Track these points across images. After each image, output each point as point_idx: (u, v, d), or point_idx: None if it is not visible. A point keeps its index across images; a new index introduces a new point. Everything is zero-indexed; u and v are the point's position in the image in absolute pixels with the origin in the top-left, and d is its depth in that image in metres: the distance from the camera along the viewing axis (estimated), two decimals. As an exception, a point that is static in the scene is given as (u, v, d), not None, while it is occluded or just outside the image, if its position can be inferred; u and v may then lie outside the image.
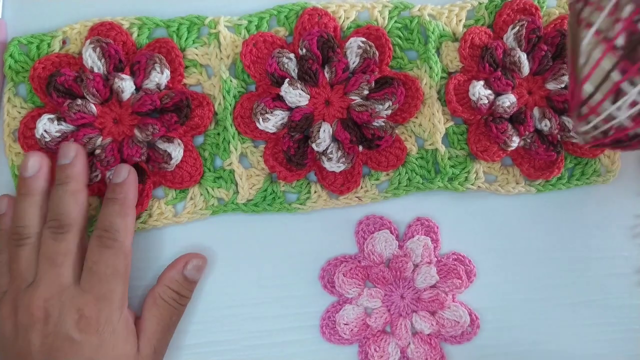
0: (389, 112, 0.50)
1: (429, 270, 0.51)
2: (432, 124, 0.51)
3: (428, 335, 0.51)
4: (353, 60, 0.51)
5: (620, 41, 0.34)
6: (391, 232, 0.51)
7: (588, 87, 0.37)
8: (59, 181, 0.46)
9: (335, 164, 0.49)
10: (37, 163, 0.46)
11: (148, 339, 0.46)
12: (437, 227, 0.52)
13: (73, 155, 0.46)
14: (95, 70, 0.49)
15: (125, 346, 0.45)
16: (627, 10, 0.34)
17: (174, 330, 0.48)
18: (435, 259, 0.52)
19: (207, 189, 0.51)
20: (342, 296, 0.51)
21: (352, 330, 0.50)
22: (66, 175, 0.46)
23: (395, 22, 0.53)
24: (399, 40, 0.53)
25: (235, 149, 0.50)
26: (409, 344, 0.51)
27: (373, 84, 0.50)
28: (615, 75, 0.35)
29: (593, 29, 0.35)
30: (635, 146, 0.40)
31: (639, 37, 0.34)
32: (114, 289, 0.44)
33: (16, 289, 0.44)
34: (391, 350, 0.51)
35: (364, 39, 0.50)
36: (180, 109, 0.49)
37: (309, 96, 0.50)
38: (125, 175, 0.46)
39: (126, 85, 0.49)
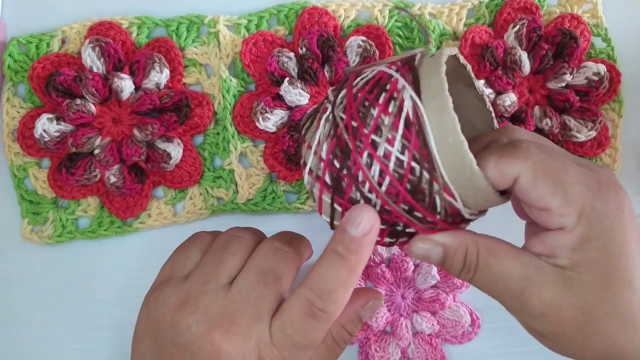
0: None
1: (429, 270, 0.51)
2: (432, 124, 0.51)
3: (429, 335, 0.51)
4: (353, 59, 0.51)
5: (327, 179, 0.35)
6: (392, 232, 0.51)
7: (325, 217, 0.37)
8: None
9: (335, 164, 0.49)
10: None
11: None
12: (438, 227, 0.52)
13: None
14: (95, 69, 0.49)
15: None
16: (324, 149, 0.34)
17: None
18: (436, 258, 0.51)
19: (206, 189, 0.51)
20: (342, 296, 0.51)
21: (352, 330, 0.50)
22: (286, 240, 0.40)
23: (396, 20, 0.53)
24: (399, 39, 0.52)
25: (235, 149, 0.50)
26: (410, 344, 0.51)
27: None
28: (337, 207, 0.35)
29: (307, 168, 0.36)
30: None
31: (337, 174, 0.34)
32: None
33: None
34: (392, 350, 0.50)
35: (364, 38, 0.50)
36: (179, 109, 0.49)
37: (309, 95, 0.50)
38: (367, 230, 0.35)
39: (125, 84, 0.48)
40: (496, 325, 0.52)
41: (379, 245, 0.50)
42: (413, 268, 0.51)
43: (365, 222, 0.34)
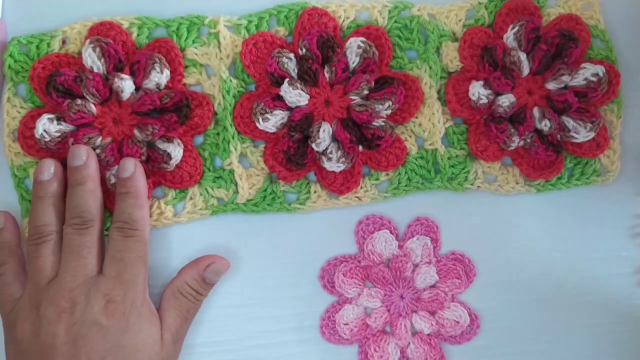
0: (389, 112, 0.50)
1: (428, 270, 0.51)
2: (432, 124, 0.51)
3: (428, 335, 0.51)
4: (353, 60, 0.50)
5: None
6: (391, 232, 0.51)
7: None
8: (76, 182, 0.47)
9: (335, 164, 0.49)
10: (51, 167, 0.47)
11: (167, 327, 0.47)
12: (437, 227, 0.52)
13: (85, 156, 0.47)
14: (95, 70, 0.49)
15: (150, 329, 0.45)
16: None
17: (190, 322, 0.49)
18: (435, 259, 0.51)
19: (206, 189, 0.50)
20: (341, 296, 0.51)
21: (351, 330, 0.50)
22: (82, 175, 0.47)
23: (395, 21, 0.52)
24: (399, 40, 0.52)
25: (235, 149, 0.50)
26: (409, 344, 0.51)
27: (373, 84, 0.50)
28: None
29: None
30: None
31: None
32: (138, 273, 0.45)
33: (36, 287, 0.45)
34: (391, 350, 0.50)
35: (363, 39, 0.50)
36: (179, 109, 0.49)
37: (308, 96, 0.50)
38: (132, 169, 0.47)
39: (126, 85, 0.48)
40: (496, 325, 0.51)
41: (378, 246, 0.50)
42: (412, 268, 0.51)
43: (130, 166, 0.47)
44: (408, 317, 0.51)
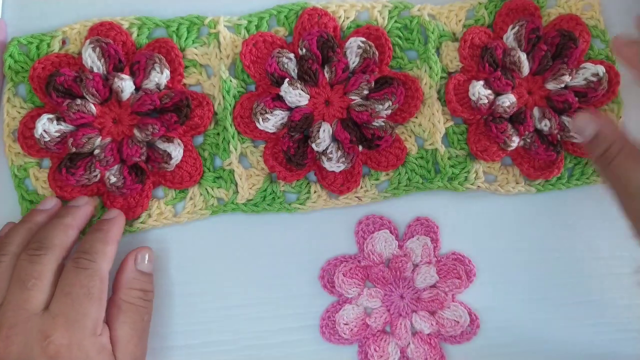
0: (389, 112, 0.50)
1: (428, 270, 0.50)
2: (432, 124, 0.51)
3: (428, 335, 0.51)
4: (353, 60, 0.50)
5: None
6: (391, 232, 0.51)
7: None
8: (58, 215, 0.46)
9: (335, 164, 0.49)
10: (53, 203, 0.47)
11: (125, 348, 0.44)
12: (437, 227, 0.51)
13: (83, 203, 0.47)
14: (95, 70, 0.49)
15: None
16: None
17: (148, 332, 0.46)
18: (435, 258, 0.51)
19: (206, 189, 0.50)
20: (341, 296, 0.50)
21: (351, 330, 0.50)
22: (67, 211, 0.46)
23: (395, 22, 0.52)
24: (399, 40, 0.52)
25: (235, 149, 0.50)
26: (409, 343, 0.50)
27: (373, 84, 0.50)
28: None
29: None
30: None
31: None
32: (87, 312, 0.42)
33: None
34: (391, 350, 0.50)
35: (363, 39, 0.50)
36: (179, 109, 0.49)
37: (308, 96, 0.49)
38: (114, 215, 0.47)
39: (126, 85, 0.48)
40: (496, 325, 0.51)
41: (378, 246, 0.50)
42: (412, 268, 0.51)
43: (112, 213, 0.47)
44: (408, 317, 0.50)
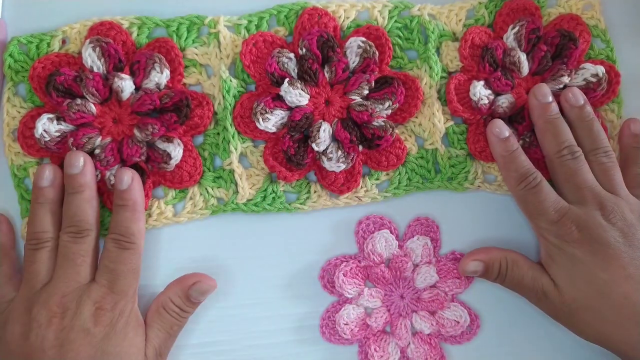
0: (389, 111, 0.50)
1: (428, 270, 0.50)
2: (432, 124, 0.51)
3: (428, 335, 0.50)
4: (353, 60, 0.50)
5: None
6: (391, 232, 0.51)
7: None
8: (73, 189, 0.46)
9: (335, 164, 0.49)
10: (51, 173, 0.47)
11: (150, 342, 0.47)
12: (437, 227, 0.51)
13: (82, 163, 0.47)
14: (95, 69, 0.48)
15: (135, 338, 0.45)
16: None
17: (175, 339, 0.48)
18: (435, 258, 0.51)
19: (206, 189, 0.50)
20: (342, 296, 0.50)
21: (352, 330, 0.50)
22: (79, 184, 0.47)
23: (395, 21, 0.52)
24: (399, 40, 0.52)
25: (235, 149, 0.50)
26: (409, 343, 0.50)
27: (373, 84, 0.50)
28: None
29: None
30: None
31: None
32: (130, 284, 0.46)
33: (30, 290, 0.45)
34: (391, 350, 0.50)
35: (363, 39, 0.50)
36: (179, 109, 0.48)
37: (308, 96, 0.49)
38: (129, 181, 0.47)
39: (126, 84, 0.48)
40: (496, 325, 0.51)
41: (378, 246, 0.49)
42: (412, 268, 0.50)
43: (127, 178, 0.47)
44: (408, 317, 0.50)
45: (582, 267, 0.45)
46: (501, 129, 0.49)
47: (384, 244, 0.50)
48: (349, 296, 0.50)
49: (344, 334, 0.49)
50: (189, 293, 0.48)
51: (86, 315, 0.44)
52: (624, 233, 0.45)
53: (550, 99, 0.49)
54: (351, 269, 0.50)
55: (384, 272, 0.50)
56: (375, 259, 0.50)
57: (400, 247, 0.51)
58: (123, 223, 0.47)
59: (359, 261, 0.50)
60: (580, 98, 0.49)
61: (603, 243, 0.45)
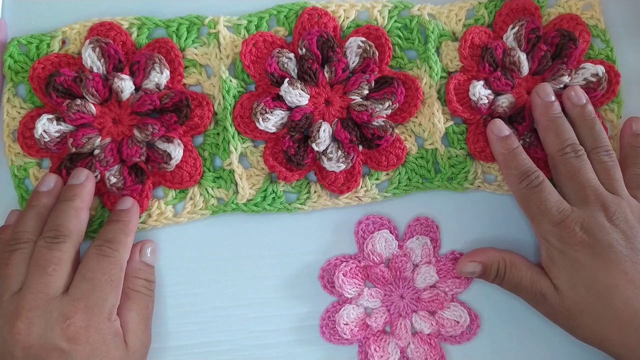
0: (389, 111, 0.50)
1: (428, 270, 0.50)
2: (432, 124, 0.51)
3: (428, 335, 0.50)
4: (353, 60, 0.50)
5: None
6: (391, 232, 0.50)
7: None
8: (65, 197, 0.45)
9: (335, 164, 0.49)
10: (53, 182, 0.47)
11: (133, 333, 0.45)
12: (437, 227, 0.51)
13: (84, 178, 0.46)
14: (95, 70, 0.48)
15: (116, 352, 0.44)
16: None
17: (151, 320, 0.48)
18: (435, 258, 0.51)
19: (206, 189, 0.50)
20: (341, 296, 0.50)
21: (352, 330, 0.49)
22: (74, 193, 0.46)
23: (395, 21, 0.52)
24: (399, 40, 0.52)
25: (235, 149, 0.50)
26: (409, 343, 0.50)
27: (373, 84, 0.50)
28: None
29: None
30: None
31: None
32: (106, 297, 0.43)
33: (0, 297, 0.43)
34: (391, 350, 0.50)
35: (363, 39, 0.50)
36: (179, 109, 0.48)
37: (308, 96, 0.49)
38: (129, 205, 0.47)
39: (125, 85, 0.48)
40: (496, 325, 0.51)
41: (377, 246, 0.49)
42: (412, 268, 0.50)
43: (128, 202, 0.47)
44: (408, 317, 0.50)
45: (583, 271, 0.44)
46: (501, 127, 0.49)
47: (383, 244, 0.50)
48: (349, 296, 0.50)
49: (344, 334, 0.49)
50: (143, 260, 0.48)
51: (56, 332, 0.41)
52: (626, 235, 0.45)
53: (553, 98, 0.49)
54: (351, 269, 0.50)
55: (383, 272, 0.50)
56: (375, 259, 0.50)
57: (400, 247, 0.50)
58: (111, 231, 0.45)
59: (359, 261, 0.50)
60: (582, 97, 0.49)
61: (605, 246, 0.44)
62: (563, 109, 0.49)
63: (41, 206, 0.46)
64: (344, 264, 0.50)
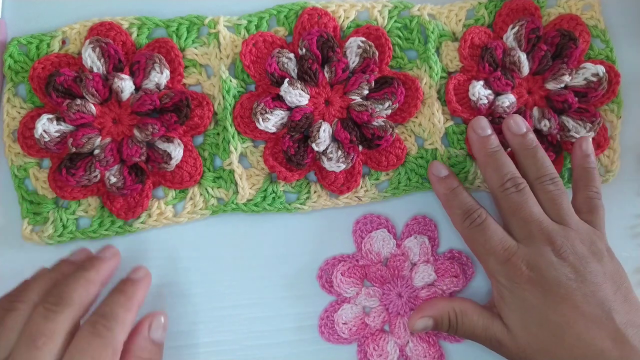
0: (389, 111, 0.50)
1: (426, 268, 0.50)
2: (432, 124, 0.50)
3: (426, 333, 0.50)
4: (353, 60, 0.50)
5: None
6: (389, 231, 0.50)
7: None
8: (82, 266, 0.42)
9: (335, 164, 0.48)
10: (82, 255, 0.45)
11: None
12: (435, 226, 0.51)
13: (109, 255, 0.44)
14: (95, 70, 0.48)
15: None
16: None
17: None
18: (433, 257, 0.51)
19: (206, 189, 0.50)
20: (340, 295, 0.50)
21: (350, 329, 0.49)
22: (92, 264, 0.42)
23: (395, 21, 0.52)
24: (399, 40, 0.52)
25: (235, 149, 0.49)
26: (408, 342, 0.50)
27: (373, 84, 0.49)
28: None
29: None
30: None
31: None
32: None
33: None
34: (390, 348, 0.49)
35: (363, 39, 0.49)
36: (179, 109, 0.48)
37: (308, 96, 0.49)
38: (140, 276, 0.44)
39: (125, 85, 0.47)
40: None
41: (375, 245, 0.49)
42: (410, 267, 0.50)
43: (141, 273, 0.44)
44: (407, 316, 0.50)
45: (533, 310, 0.43)
46: (439, 168, 0.48)
47: (381, 243, 0.50)
48: (347, 295, 0.50)
49: (343, 333, 0.49)
50: (152, 337, 0.43)
51: None
52: (576, 268, 0.44)
53: (489, 131, 0.48)
54: (349, 268, 0.50)
55: (381, 271, 0.50)
56: (373, 258, 0.50)
57: (398, 245, 0.50)
58: (110, 304, 0.40)
59: (357, 260, 0.50)
60: (522, 125, 0.48)
61: (554, 283, 0.43)
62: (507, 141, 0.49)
63: (59, 272, 0.42)
64: (342, 263, 0.50)
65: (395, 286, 0.50)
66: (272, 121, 0.48)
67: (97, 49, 0.48)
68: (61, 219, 0.48)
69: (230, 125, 0.49)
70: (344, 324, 0.49)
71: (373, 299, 0.50)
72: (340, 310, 0.49)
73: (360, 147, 0.50)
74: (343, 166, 0.48)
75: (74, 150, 0.47)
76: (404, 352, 0.50)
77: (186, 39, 0.50)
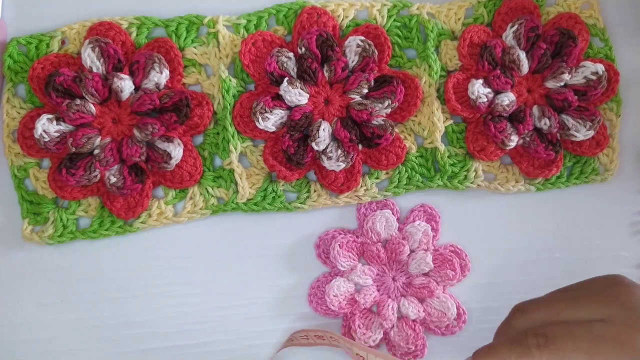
0: (389, 110, 0.49)
1: (424, 257, 0.49)
2: (432, 123, 0.50)
3: (413, 320, 0.49)
4: (352, 59, 0.49)
5: None
6: (393, 213, 0.50)
7: None
8: None
9: (335, 163, 0.48)
10: None
11: None
12: (439, 217, 0.50)
13: None
14: (94, 70, 0.48)
15: None
16: None
17: None
18: (433, 247, 0.50)
19: (206, 189, 0.49)
20: (334, 267, 0.49)
21: (340, 302, 0.49)
22: None
23: (394, 20, 0.51)
24: (398, 39, 0.51)
25: (235, 149, 0.49)
26: (393, 326, 0.49)
27: (372, 83, 0.49)
28: None
29: None
30: None
31: None
32: None
33: None
34: (374, 329, 0.49)
35: (362, 38, 0.49)
36: (179, 109, 0.48)
37: (308, 95, 0.49)
38: None
39: (125, 84, 0.47)
40: (483, 325, 0.49)
41: (377, 224, 0.49)
42: (408, 252, 0.49)
43: None
44: (396, 300, 0.49)
45: None
46: None
47: (384, 223, 0.49)
48: (342, 269, 0.49)
49: (332, 305, 0.48)
50: None
51: None
52: None
53: None
54: (348, 242, 0.49)
55: (379, 252, 0.49)
56: (373, 237, 0.49)
57: (399, 229, 0.50)
58: None
59: (357, 237, 0.49)
60: None
61: None
62: None
63: None
64: (342, 235, 0.49)
65: (391, 269, 0.50)
66: (271, 120, 0.48)
67: (97, 49, 0.47)
68: (61, 219, 0.48)
69: (230, 124, 0.49)
70: (334, 296, 0.48)
71: (366, 277, 0.49)
72: (332, 282, 0.49)
73: (360, 146, 0.49)
74: (343, 165, 0.48)
75: (73, 150, 0.46)
76: (388, 335, 0.49)
77: (185, 38, 0.50)
